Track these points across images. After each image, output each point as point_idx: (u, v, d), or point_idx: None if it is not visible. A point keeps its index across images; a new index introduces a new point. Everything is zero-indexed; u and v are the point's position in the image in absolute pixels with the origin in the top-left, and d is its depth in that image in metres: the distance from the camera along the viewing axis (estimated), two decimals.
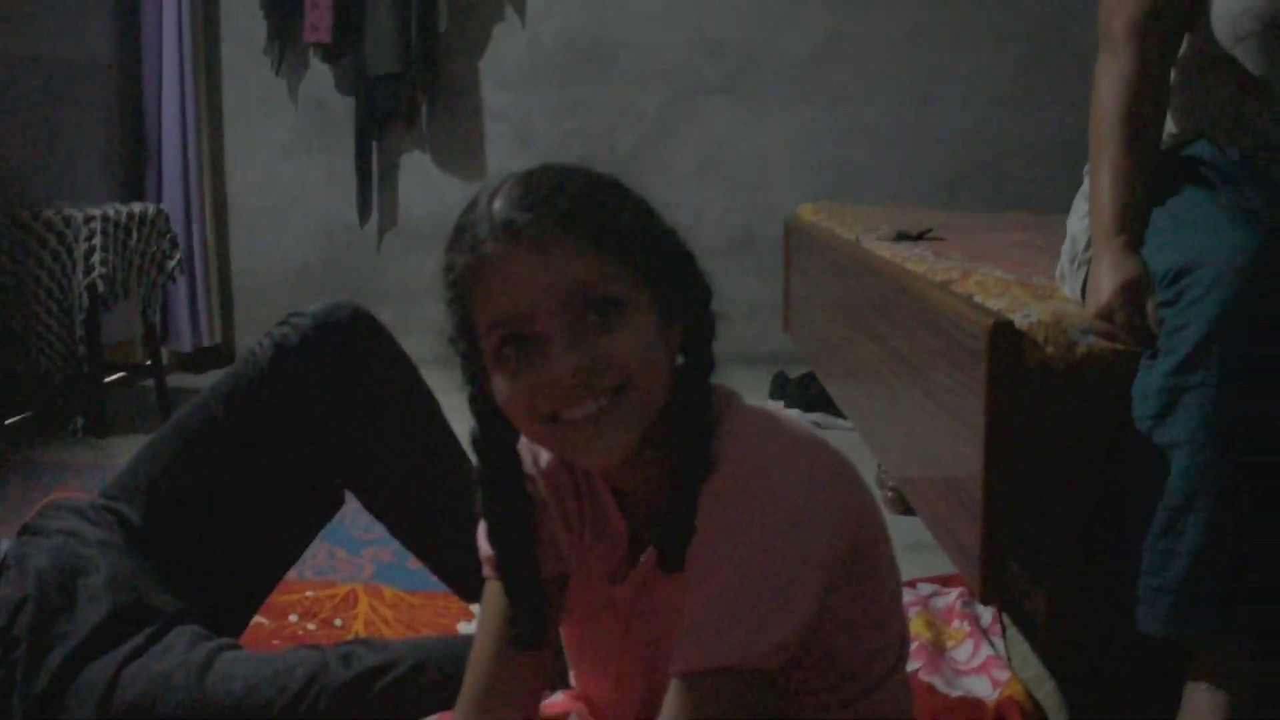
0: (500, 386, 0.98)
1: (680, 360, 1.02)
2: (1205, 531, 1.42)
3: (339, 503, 1.65)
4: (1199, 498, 1.43)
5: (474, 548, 1.13)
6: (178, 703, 1.30)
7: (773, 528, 0.97)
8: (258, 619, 1.91)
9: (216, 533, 1.55)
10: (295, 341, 1.56)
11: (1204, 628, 1.44)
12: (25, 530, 1.53)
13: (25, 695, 1.32)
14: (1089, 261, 1.70)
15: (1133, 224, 1.60)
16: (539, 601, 1.09)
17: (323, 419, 1.57)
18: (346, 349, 1.57)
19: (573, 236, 0.94)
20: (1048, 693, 1.64)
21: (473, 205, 0.98)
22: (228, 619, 1.54)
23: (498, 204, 0.95)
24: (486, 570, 1.12)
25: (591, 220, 0.95)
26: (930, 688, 1.65)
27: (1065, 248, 1.82)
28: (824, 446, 1.04)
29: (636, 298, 0.97)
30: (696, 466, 0.99)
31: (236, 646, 1.43)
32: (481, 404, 1.05)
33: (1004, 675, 1.68)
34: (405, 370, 1.64)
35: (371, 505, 1.66)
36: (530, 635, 1.09)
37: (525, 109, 4.53)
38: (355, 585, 2.12)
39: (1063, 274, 1.83)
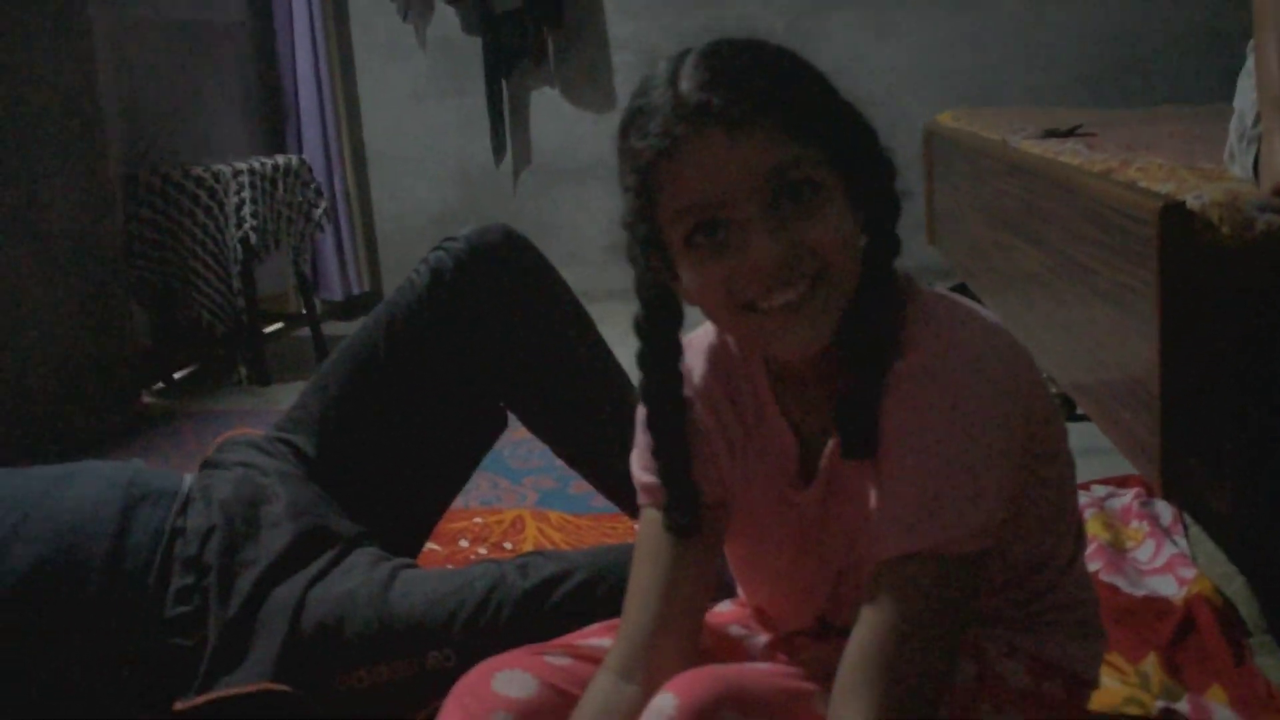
0: (692, 275, 0.96)
1: (864, 241, 0.99)
2: None
3: (502, 424, 1.68)
4: None
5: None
6: (364, 619, 1.34)
7: (967, 407, 0.94)
8: (430, 545, 1.96)
9: (386, 459, 1.59)
10: (450, 265, 1.58)
11: None
12: (206, 465, 1.59)
13: (220, 619, 1.38)
14: (1259, 138, 1.62)
15: None
16: (696, 496, 1.07)
17: (481, 340, 1.59)
18: (501, 269, 1.59)
19: (768, 118, 0.91)
20: (1237, 588, 1.58)
21: (649, 87, 0.95)
22: (402, 543, 1.58)
23: (685, 85, 0.92)
24: (642, 498, 1.10)
25: (785, 100, 0.92)
26: (1113, 588, 1.61)
27: (1233, 125, 1.73)
28: (1005, 330, 1.01)
29: (829, 180, 0.94)
30: (885, 347, 0.97)
31: (415, 566, 1.47)
32: (650, 292, 1.03)
33: (1190, 573, 1.63)
34: (559, 289, 1.65)
35: (533, 424, 1.68)
36: (685, 525, 1.07)
37: (650, 36, 4.49)
38: (522, 510, 2.16)
39: (1231, 153, 1.74)
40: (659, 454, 1.07)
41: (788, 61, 0.96)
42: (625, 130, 0.96)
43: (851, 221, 0.96)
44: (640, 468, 1.11)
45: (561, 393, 1.63)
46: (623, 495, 1.66)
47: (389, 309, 1.61)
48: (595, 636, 1.15)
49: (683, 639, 1.07)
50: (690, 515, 1.07)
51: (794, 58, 0.96)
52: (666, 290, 1.02)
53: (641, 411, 1.11)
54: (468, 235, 1.61)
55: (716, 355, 1.11)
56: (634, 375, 1.09)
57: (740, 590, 1.24)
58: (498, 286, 1.59)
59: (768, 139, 0.91)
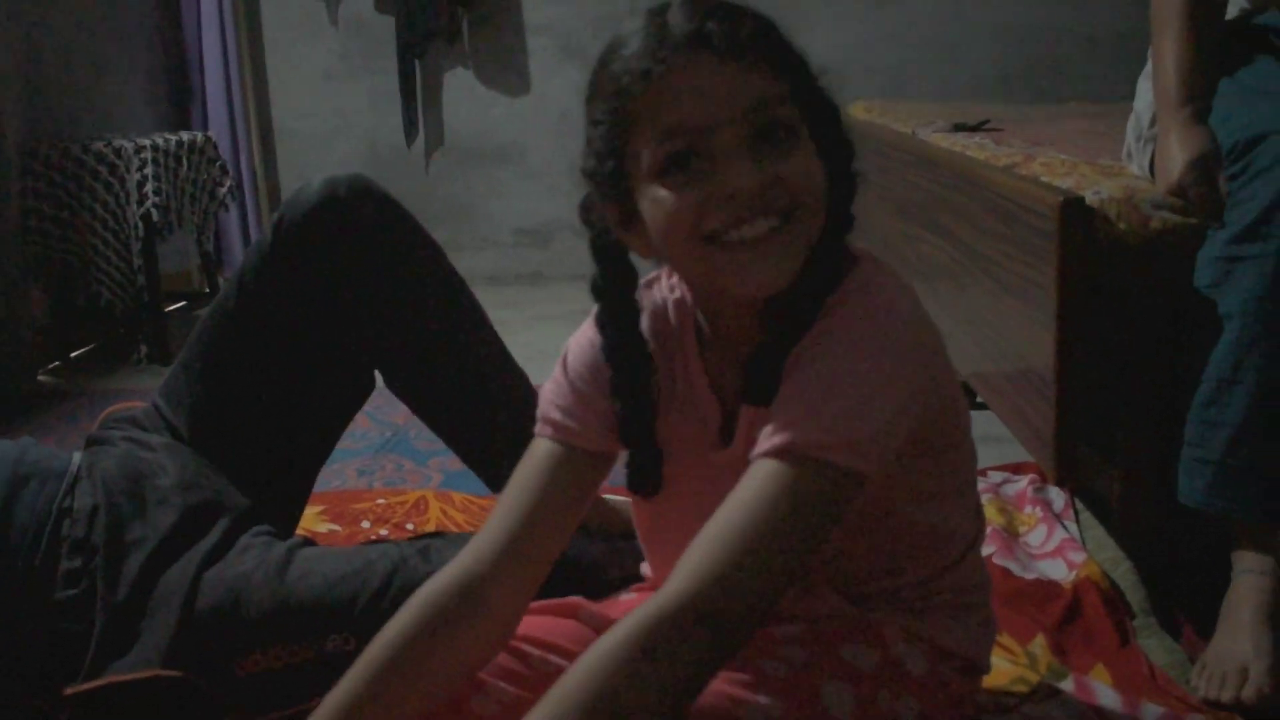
0: (661, 202, 0.95)
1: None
2: (1248, 405, 1.41)
3: (369, 384, 1.63)
4: (1244, 370, 1.42)
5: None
6: (260, 601, 1.32)
7: (868, 336, 0.96)
8: (330, 525, 1.94)
9: (254, 427, 1.55)
10: (293, 219, 1.52)
11: (1242, 502, 1.43)
12: (91, 442, 1.55)
13: (108, 603, 1.34)
14: (1155, 138, 1.66)
15: (1199, 95, 1.56)
16: (656, 451, 1.08)
17: (332, 295, 1.53)
18: (347, 221, 1.52)
19: (758, 52, 0.93)
20: (1124, 573, 1.62)
21: (630, 30, 0.96)
22: (280, 511, 1.55)
23: (676, 17, 0.93)
24: (541, 428, 1.10)
25: (775, 41, 0.95)
26: (1005, 572, 1.64)
27: (1130, 125, 1.77)
28: (921, 306, 1.03)
29: (800, 123, 0.96)
30: (815, 307, 0.98)
31: (311, 544, 1.44)
32: (607, 251, 1.04)
33: (1079, 557, 1.67)
34: (415, 239, 1.58)
35: (394, 383, 1.62)
36: (650, 483, 1.08)
37: (567, 21, 4.47)
38: (425, 492, 2.14)
39: (1129, 152, 1.79)
40: (624, 415, 1.07)
41: (764, 16, 0.98)
42: (604, 61, 0.97)
43: (819, 165, 0.97)
44: (550, 403, 1.10)
45: (419, 352, 1.57)
46: (483, 464, 1.63)
47: (239, 271, 1.56)
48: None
49: (529, 573, 1.05)
50: (655, 475, 1.08)
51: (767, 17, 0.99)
52: (622, 249, 1.03)
53: (570, 351, 1.12)
54: (315, 184, 1.54)
55: (651, 319, 1.11)
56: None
57: (646, 558, 1.24)
58: (344, 238, 1.52)
59: (756, 72, 0.93)
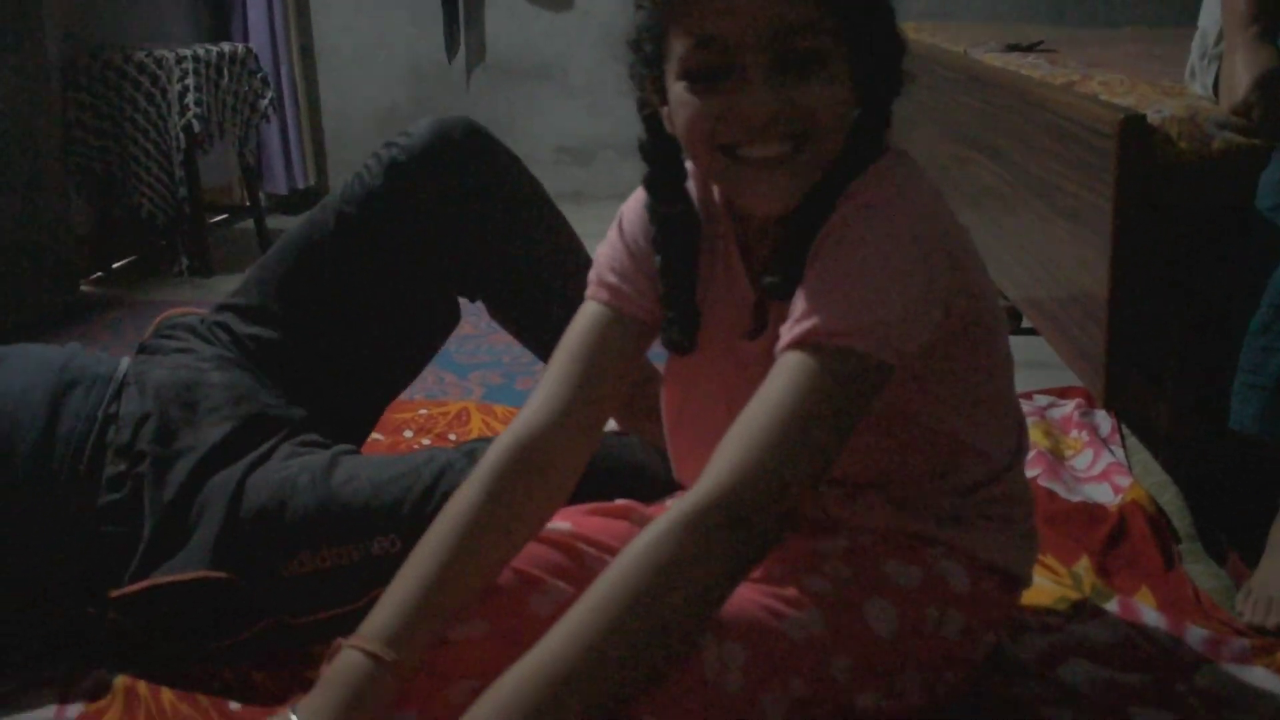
0: (683, 103, 0.97)
1: (857, 112, 1.00)
2: None
3: (455, 319, 1.65)
4: None
5: None
6: (305, 504, 1.32)
7: (888, 225, 0.96)
8: (373, 435, 1.94)
9: (331, 350, 1.56)
10: (404, 159, 1.53)
11: None
12: (143, 350, 1.55)
13: (155, 506, 1.35)
14: (1220, 57, 1.62)
15: (1268, 12, 1.51)
16: (694, 308, 1.09)
17: (438, 234, 1.55)
18: (461, 163, 1.55)
19: None
20: (1170, 498, 1.61)
21: None
22: (345, 435, 1.56)
23: None
24: (593, 291, 1.12)
25: None
26: (1050, 494, 1.63)
27: (1195, 43, 1.73)
28: (945, 202, 1.03)
29: (836, 50, 0.96)
30: (828, 200, 0.98)
31: (355, 452, 1.45)
32: (653, 114, 1.05)
33: (1125, 481, 1.65)
34: (523, 181, 1.61)
35: (498, 314, 1.65)
36: (686, 340, 1.09)
37: None
38: (467, 403, 2.15)
39: (1193, 71, 1.74)
40: (667, 272, 1.09)
41: None
42: None
43: (848, 93, 0.98)
44: (606, 266, 1.13)
45: (524, 284, 1.59)
46: None
47: (341, 198, 1.56)
48: (551, 522, 1.14)
49: (583, 434, 1.09)
50: (691, 333, 1.09)
51: None
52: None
53: (624, 215, 1.14)
54: (426, 127, 1.56)
55: (700, 192, 1.12)
56: None
57: (669, 452, 1.24)
58: (457, 182, 1.54)
59: (787, 1, 0.92)
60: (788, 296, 0.98)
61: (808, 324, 0.93)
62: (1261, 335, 1.43)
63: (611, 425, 1.70)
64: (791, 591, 1.05)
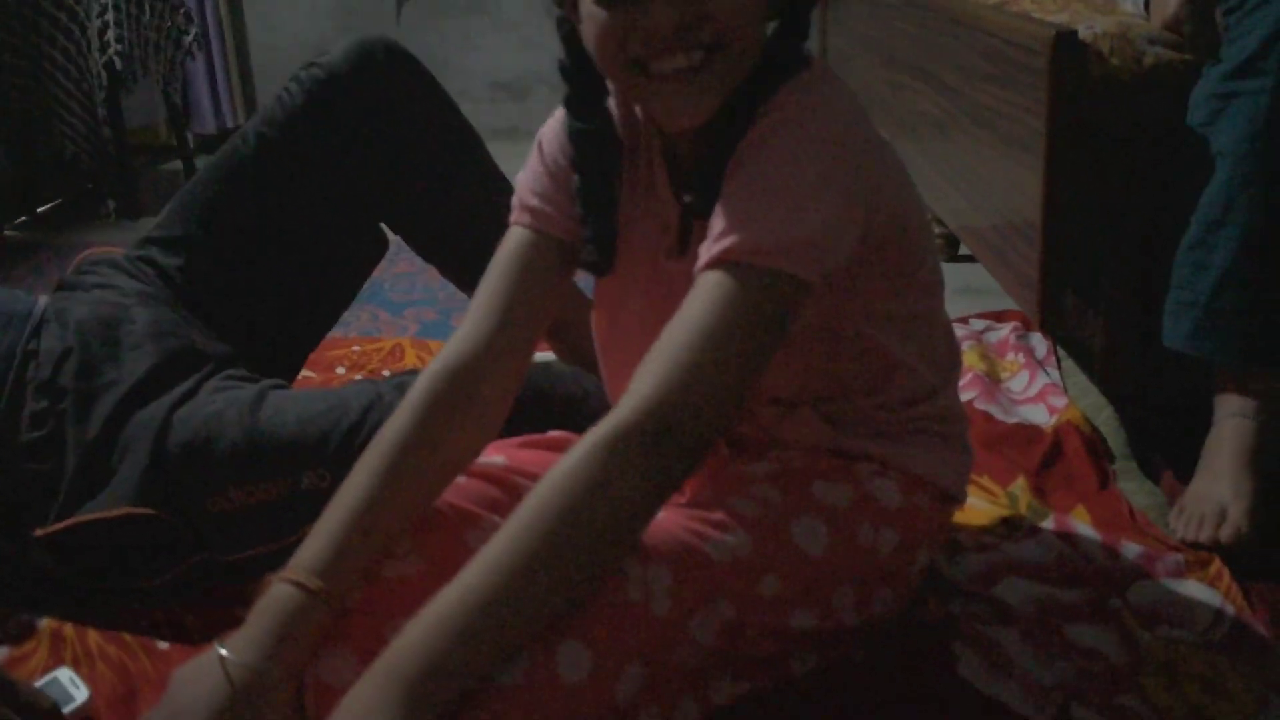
0: (592, 18, 0.95)
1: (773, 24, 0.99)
2: (1237, 247, 1.39)
3: (383, 249, 1.62)
4: (1234, 211, 1.39)
5: None
6: (232, 439, 1.29)
7: (805, 140, 0.95)
8: (305, 372, 1.91)
9: (257, 279, 1.52)
10: (326, 79, 1.50)
11: (1226, 346, 1.42)
12: (62, 286, 1.51)
13: (79, 443, 1.32)
14: None
15: None
16: (613, 227, 1.08)
17: (361, 158, 1.52)
18: (384, 84, 1.51)
19: None
20: (1106, 418, 1.62)
21: None
22: (275, 369, 1.53)
23: None
24: (518, 216, 1.11)
25: None
26: (987, 416, 1.64)
27: None
28: (866, 117, 1.02)
29: None
30: (745, 115, 0.97)
31: (284, 387, 1.42)
32: (571, 26, 1.03)
33: (1060, 402, 1.66)
34: (443, 104, 1.58)
35: (417, 244, 1.63)
36: (604, 260, 1.09)
37: None
38: (402, 339, 2.11)
39: None
40: (584, 192, 1.07)
41: None
42: None
43: (761, 2, 0.96)
44: (528, 189, 1.11)
45: (445, 212, 1.57)
46: None
47: (262, 120, 1.52)
48: (486, 456, 1.13)
49: (514, 360, 1.08)
50: (608, 254, 1.08)
51: None
52: None
53: (544, 137, 1.12)
54: (346, 49, 1.52)
55: (621, 111, 1.11)
56: None
57: (601, 373, 1.24)
58: (380, 100, 1.51)
59: None
60: (708, 214, 0.96)
61: (726, 242, 0.92)
62: (1192, 252, 1.43)
63: (551, 357, 1.69)
64: (718, 515, 1.05)
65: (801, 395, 1.13)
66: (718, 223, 0.94)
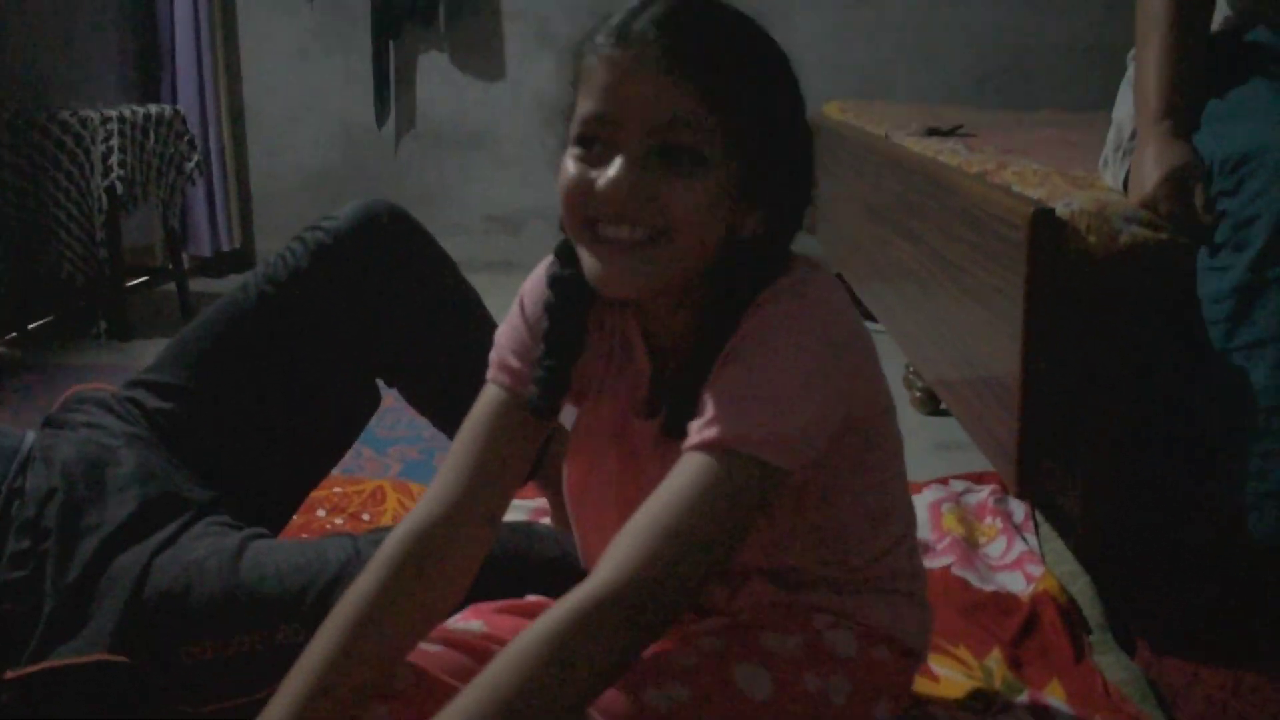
0: (564, 169, 0.99)
1: (752, 234, 1.01)
2: None
3: (375, 402, 1.64)
4: None
5: None
6: (211, 589, 1.29)
7: (797, 334, 0.98)
8: None
9: (248, 431, 1.54)
10: (331, 242, 1.53)
11: None
12: (49, 423, 1.52)
13: (57, 585, 1.32)
14: (1133, 151, 1.66)
15: (1180, 109, 1.55)
16: (565, 377, 1.09)
17: (361, 320, 1.55)
18: (386, 249, 1.55)
19: (693, 77, 0.94)
20: (1082, 588, 1.63)
21: (624, 7, 0.99)
22: (262, 516, 1.53)
23: (647, 12, 0.96)
24: (494, 373, 1.12)
25: (719, 72, 0.95)
26: (964, 583, 1.64)
27: (1110, 136, 1.77)
28: (854, 310, 1.05)
29: (721, 163, 0.97)
30: (723, 330, 0.99)
31: (267, 536, 1.42)
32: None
33: (1038, 571, 1.67)
34: (445, 268, 1.62)
35: (415, 401, 1.66)
36: (545, 404, 1.09)
37: (543, 7, 4.43)
38: (383, 481, 2.12)
39: (1106, 162, 1.78)
40: (550, 333, 1.09)
41: (751, 42, 0.99)
42: (595, 27, 1.00)
43: (723, 208, 0.98)
44: (506, 347, 1.13)
45: (444, 372, 1.59)
46: None
47: (265, 278, 1.55)
48: (464, 620, 1.14)
49: (483, 522, 1.08)
50: (552, 397, 1.09)
51: (755, 38, 1.00)
52: None
53: (525, 294, 1.14)
54: (350, 213, 1.56)
55: None
56: None
57: (575, 533, 1.24)
58: (381, 266, 1.55)
59: (678, 93, 0.94)
60: (683, 428, 0.98)
61: (715, 429, 0.94)
62: (1260, 442, 1.41)
63: (542, 504, 1.69)
64: (659, 666, 1.06)
65: (752, 568, 1.14)
66: (707, 407, 0.96)
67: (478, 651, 1.08)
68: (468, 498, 1.07)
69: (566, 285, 1.08)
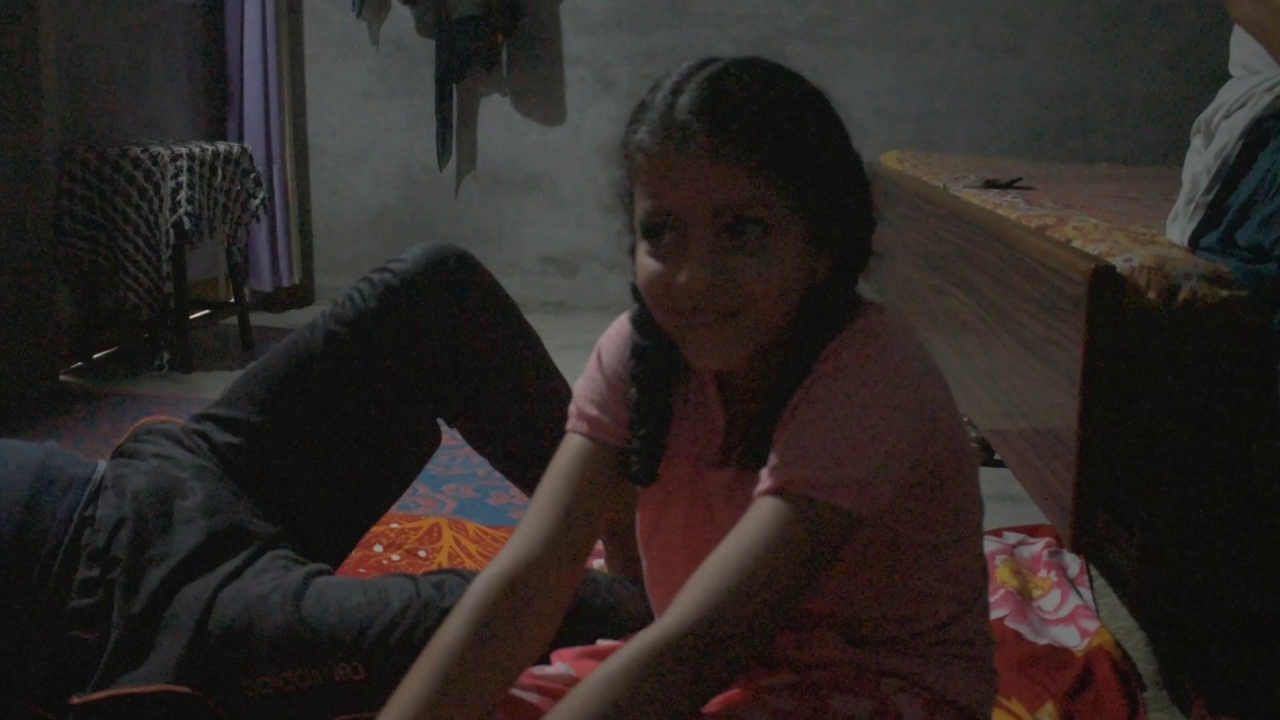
0: (641, 265, 1.01)
1: (826, 267, 1.03)
2: None
3: (436, 442, 1.67)
4: None
5: None
6: (274, 625, 1.32)
7: (868, 379, 0.98)
8: None
9: (310, 468, 1.56)
10: (399, 285, 1.56)
11: None
12: (119, 453, 1.56)
13: (124, 614, 1.35)
14: (1207, 205, 1.66)
15: None
16: (660, 443, 1.11)
17: (426, 361, 1.58)
18: (452, 292, 1.58)
19: (742, 157, 0.95)
20: (1136, 644, 1.61)
21: (658, 87, 1.00)
22: (323, 552, 1.56)
23: (683, 99, 0.97)
24: (574, 423, 1.14)
25: (767, 143, 0.96)
26: (1017, 635, 1.64)
27: (1185, 188, 1.76)
28: (928, 355, 1.05)
29: (788, 225, 0.98)
30: (797, 376, 1.01)
31: (329, 573, 1.45)
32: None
33: (1092, 625, 1.66)
34: (508, 311, 1.65)
35: (476, 442, 1.68)
36: (646, 473, 1.11)
37: (605, 53, 4.50)
38: (439, 519, 2.15)
39: (1175, 216, 1.77)
40: (640, 405, 1.11)
41: (796, 102, 0.99)
42: (633, 117, 1.01)
43: (800, 267, 1.00)
44: (585, 398, 1.15)
45: (505, 415, 1.63)
46: None
47: (332, 318, 1.58)
48: (550, 666, 1.16)
49: (569, 563, 1.09)
50: (650, 467, 1.11)
51: (807, 99, 1.01)
52: None
53: (603, 347, 1.16)
54: (418, 255, 1.60)
55: None
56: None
57: (645, 573, 1.24)
58: (448, 309, 1.58)
59: (732, 175, 0.95)
60: (760, 464, 0.99)
61: (786, 474, 0.96)
62: None
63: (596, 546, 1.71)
64: None
65: (823, 618, 1.14)
66: (779, 452, 0.97)
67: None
68: (554, 543, 1.09)
69: (651, 355, 1.11)
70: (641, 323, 1.11)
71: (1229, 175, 1.62)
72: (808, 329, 1.02)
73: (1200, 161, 1.70)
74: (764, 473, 0.98)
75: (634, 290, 1.10)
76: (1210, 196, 1.64)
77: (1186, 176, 1.74)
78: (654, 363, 1.11)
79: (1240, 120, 1.63)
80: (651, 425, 1.11)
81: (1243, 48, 1.73)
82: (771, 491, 0.96)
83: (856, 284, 1.05)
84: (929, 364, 1.04)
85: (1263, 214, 1.54)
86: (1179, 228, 1.74)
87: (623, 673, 0.90)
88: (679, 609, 0.93)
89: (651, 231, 0.99)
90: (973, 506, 1.16)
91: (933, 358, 1.06)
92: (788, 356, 1.03)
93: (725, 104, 0.96)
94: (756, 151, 0.96)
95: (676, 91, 0.98)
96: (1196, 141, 1.75)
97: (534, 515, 1.11)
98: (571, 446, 1.14)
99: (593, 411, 1.14)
